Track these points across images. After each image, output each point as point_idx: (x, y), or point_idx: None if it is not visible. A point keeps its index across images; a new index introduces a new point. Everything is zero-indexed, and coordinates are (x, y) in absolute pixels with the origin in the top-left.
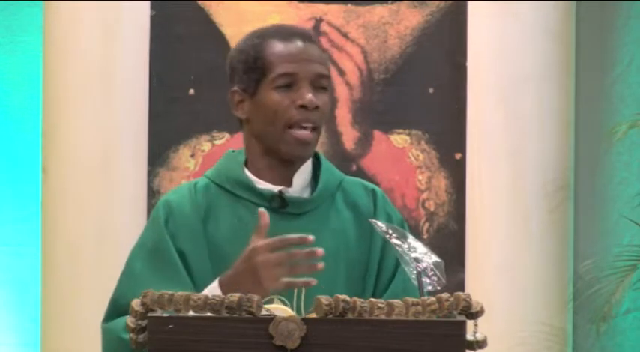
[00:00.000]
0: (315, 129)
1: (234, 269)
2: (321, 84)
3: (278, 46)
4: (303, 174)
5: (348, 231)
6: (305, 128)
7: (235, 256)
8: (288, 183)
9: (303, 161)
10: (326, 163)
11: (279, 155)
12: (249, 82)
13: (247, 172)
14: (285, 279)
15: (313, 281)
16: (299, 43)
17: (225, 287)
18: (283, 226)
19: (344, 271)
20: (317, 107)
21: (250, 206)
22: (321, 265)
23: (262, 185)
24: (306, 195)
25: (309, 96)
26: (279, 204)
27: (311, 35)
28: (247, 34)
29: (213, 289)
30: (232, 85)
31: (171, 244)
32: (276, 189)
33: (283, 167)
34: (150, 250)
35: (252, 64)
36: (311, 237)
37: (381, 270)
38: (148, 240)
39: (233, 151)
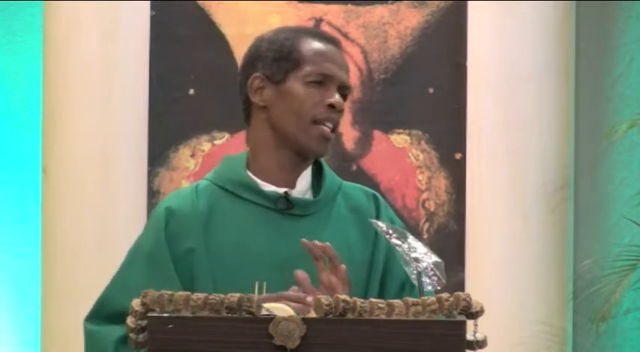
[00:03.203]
0: (334, 130)
1: None
2: (344, 92)
3: (315, 44)
4: (305, 177)
5: (349, 233)
6: (328, 126)
7: (237, 257)
8: (291, 186)
9: (319, 156)
10: (327, 167)
11: (295, 147)
12: (278, 70)
13: (250, 174)
14: None
15: None
16: (333, 48)
17: None
18: (288, 227)
19: (347, 272)
20: (341, 110)
21: (254, 207)
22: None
23: (267, 186)
24: (308, 197)
25: (339, 97)
26: (285, 205)
27: (341, 45)
28: (276, 29)
29: None
30: (253, 71)
31: (167, 251)
32: (281, 190)
33: (291, 165)
34: (146, 255)
35: (286, 54)
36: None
37: (387, 272)
38: (146, 244)
39: (231, 156)
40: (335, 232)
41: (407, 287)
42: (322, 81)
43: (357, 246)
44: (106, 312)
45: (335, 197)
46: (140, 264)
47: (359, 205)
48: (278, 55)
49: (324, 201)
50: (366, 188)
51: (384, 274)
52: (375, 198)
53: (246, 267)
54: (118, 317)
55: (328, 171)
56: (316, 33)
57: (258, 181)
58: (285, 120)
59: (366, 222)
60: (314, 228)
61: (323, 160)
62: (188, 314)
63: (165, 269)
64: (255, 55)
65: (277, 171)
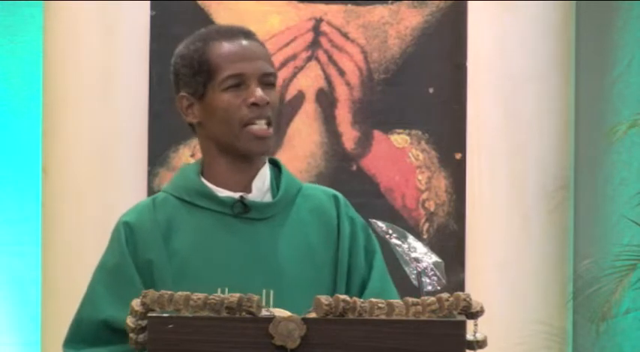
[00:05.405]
0: (270, 124)
1: None
2: (268, 81)
3: (222, 47)
4: (262, 180)
5: (310, 235)
6: (259, 124)
7: (198, 266)
8: (247, 190)
9: (261, 156)
10: (285, 169)
11: (237, 153)
12: (197, 85)
13: (205, 181)
14: None
15: None
16: (242, 42)
17: None
18: (246, 231)
19: (309, 274)
20: (268, 103)
21: (211, 214)
22: None
23: (222, 192)
24: (267, 200)
25: (260, 93)
26: (241, 210)
27: (252, 32)
28: (187, 40)
29: None
30: (178, 91)
31: (131, 264)
32: (236, 195)
33: (241, 169)
34: (110, 272)
35: (198, 68)
36: None
37: (351, 270)
38: (109, 261)
39: (187, 165)
40: (294, 234)
41: (369, 286)
42: (239, 82)
43: (318, 246)
44: (82, 334)
45: (294, 199)
46: (107, 279)
47: (319, 206)
48: (192, 71)
49: (282, 204)
50: (326, 188)
51: (349, 272)
52: (336, 198)
53: (206, 275)
54: (95, 337)
55: (286, 173)
56: (223, 32)
57: (213, 188)
58: (218, 131)
59: (326, 222)
60: (272, 232)
61: (281, 162)
62: (188, 314)
63: (133, 280)
64: (175, 75)
65: (230, 176)
